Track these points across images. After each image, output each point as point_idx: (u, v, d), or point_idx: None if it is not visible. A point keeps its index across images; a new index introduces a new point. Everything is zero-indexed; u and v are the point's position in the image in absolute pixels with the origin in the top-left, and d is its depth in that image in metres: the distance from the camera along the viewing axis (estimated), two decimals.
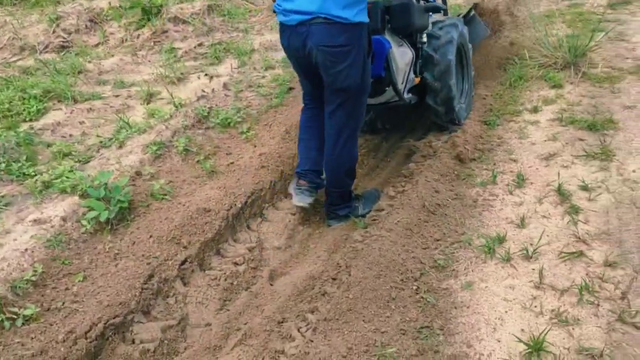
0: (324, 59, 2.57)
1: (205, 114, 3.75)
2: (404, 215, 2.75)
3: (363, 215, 3.01)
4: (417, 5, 3.26)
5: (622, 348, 1.96)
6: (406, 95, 3.39)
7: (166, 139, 3.44)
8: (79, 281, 2.43)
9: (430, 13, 3.48)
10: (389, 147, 3.85)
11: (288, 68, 4.56)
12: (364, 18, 2.57)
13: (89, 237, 2.69)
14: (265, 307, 2.52)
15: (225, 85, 4.23)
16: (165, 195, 2.99)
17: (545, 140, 3.44)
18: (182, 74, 4.54)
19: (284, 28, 2.66)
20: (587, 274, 2.33)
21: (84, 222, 2.72)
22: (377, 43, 2.97)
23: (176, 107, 3.90)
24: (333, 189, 2.99)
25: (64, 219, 2.72)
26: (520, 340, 2.02)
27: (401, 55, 3.25)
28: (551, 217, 2.74)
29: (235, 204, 2.95)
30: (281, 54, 4.82)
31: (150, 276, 2.48)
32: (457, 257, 2.55)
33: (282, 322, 2.36)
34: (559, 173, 3.02)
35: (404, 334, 2.14)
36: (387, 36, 3.16)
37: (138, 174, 3.15)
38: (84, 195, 2.89)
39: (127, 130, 3.58)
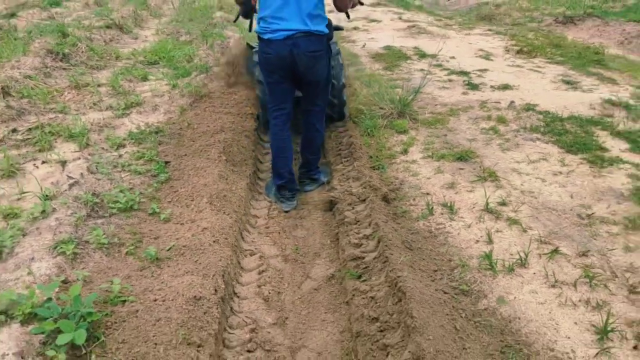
0: (307, 61, 3.42)
1: (97, 200, 3.11)
2: (397, 255, 2.76)
3: (326, 182, 4.04)
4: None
5: None
6: None
7: (72, 235, 2.75)
8: None
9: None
10: (304, 205, 3.78)
11: (142, 144, 4.12)
12: (327, 30, 3.45)
13: None
14: None
15: (89, 169, 3.57)
16: (127, 297, 2.38)
17: (435, 174, 3.86)
18: (11, 164, 3.66)
19: (270, 43, 3.38)
20: (574, 266, 2.71)
21: (51, 352, 1.99)
22: None
23: (44, 199, 3.14)
24: (311, 156, 3.98)
25: (21, 356, 1.94)
26: (596, 328, 2.25)
27: None
28: (502, 230, 3.10)
29: (220, 286, 2.53)
30: (124, 131, 4.33)
31: None
32: (468, 280, 2.67)
33: None
34: (485, 195, 3.44)
35: (495, 358, 2.16)
36: None
37: (65, 282, 2.44)
38: (27, 320, 2.11)
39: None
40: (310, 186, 4.01)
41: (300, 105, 3.85)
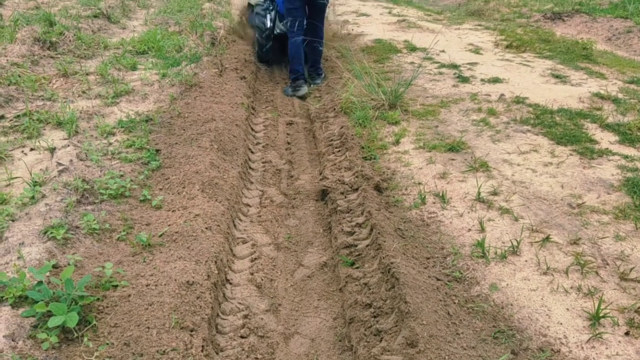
0: None
1: (87, 187, 3.08)
2: (390, 243, 2.76)
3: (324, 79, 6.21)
4: None
5: None
6: None
7: (62, 220, 2.71)
8: None
9: None
10: (296, 195, 3.77)
11: (133, 132, 4.07)
12: None
13: (58, 354, 1.95)
14: None
15: (78, 156, 3.53)
16: (119, 282, 2.36)
17: (427, 164, 3.87)
18: None
19: None
20: (566, 254, 2.73)
21: (43, 335, 1.97)
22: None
23: (34, 185, 3.09)
24: (318, 57, 6.10)
25: (12, 338, 1.92)
26: (588, 314, 2.27)
27: None
28: (494, 219, 3.11)
29: (212, 272, 2.51)
30: (114, 119, 4.28)
31: None
32: (461, 267, 2.68)
33: None
34: (476, 185, 3.45)
35: (487, 343, 2.17)
36: None
37: (56, 267, 2.41)
38: (18, 303, 2.09)
39: None
40: (318, 79, 6.11)
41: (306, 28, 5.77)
